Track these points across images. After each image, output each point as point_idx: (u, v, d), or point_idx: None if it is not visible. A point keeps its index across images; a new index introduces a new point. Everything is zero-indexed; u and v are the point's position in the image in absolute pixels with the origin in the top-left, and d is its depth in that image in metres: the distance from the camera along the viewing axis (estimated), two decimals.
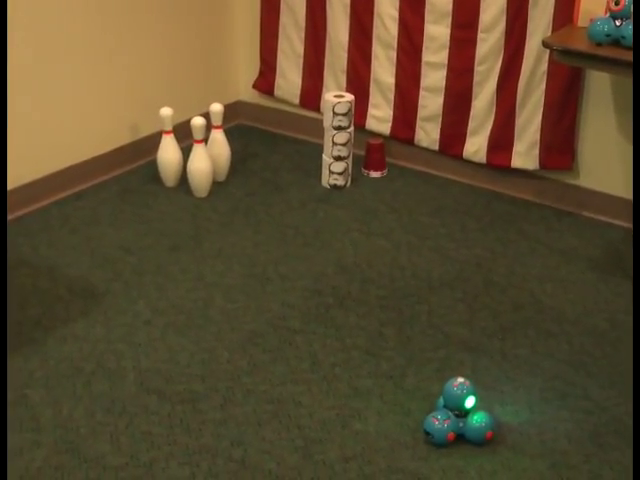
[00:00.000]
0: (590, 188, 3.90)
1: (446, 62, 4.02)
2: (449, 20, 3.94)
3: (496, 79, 3.92)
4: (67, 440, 2.56)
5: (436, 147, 4.21)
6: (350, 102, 3.99)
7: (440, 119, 4.14)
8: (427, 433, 2.57)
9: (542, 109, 3.84)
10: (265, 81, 4.66)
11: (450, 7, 3.91)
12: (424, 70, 4.10)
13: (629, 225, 3.77)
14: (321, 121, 4.11)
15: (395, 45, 4.14)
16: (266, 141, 4.62)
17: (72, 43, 3.85)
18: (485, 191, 4.11)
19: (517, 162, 4.00)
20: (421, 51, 4.07)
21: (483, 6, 3.83)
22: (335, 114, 3.97)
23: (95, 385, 2.79)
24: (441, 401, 2.63)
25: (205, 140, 3.97)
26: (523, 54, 3.81)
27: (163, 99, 4.13)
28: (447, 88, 4.07)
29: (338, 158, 4.04)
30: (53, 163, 3.92)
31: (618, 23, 3.10)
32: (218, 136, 4.06)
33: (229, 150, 4.10)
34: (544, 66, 3.76)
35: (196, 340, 3.02)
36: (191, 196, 3.99)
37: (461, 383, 2.58)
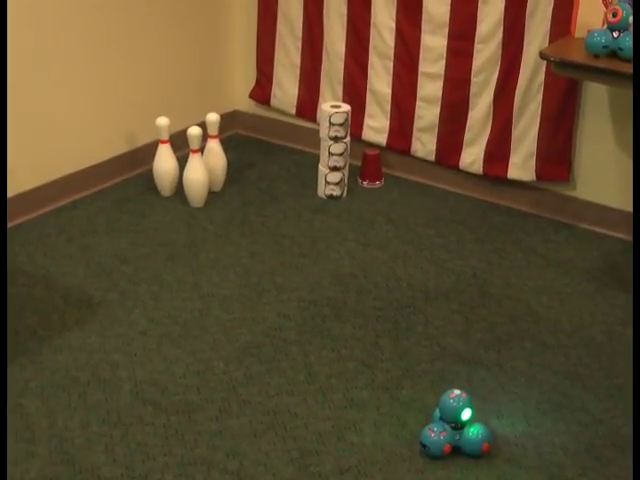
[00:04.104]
0: (587, 200, 3.90)
1: (443, 73, 4.02)
2: (446, 31, 3.95)
3: (493, 90, 3.92)
4: (62, 451, 2.55)
5: (432, 158, 4.21)
6: (346, 112, 3.98)
7: (436, 130, 4.14)
8: (423, 445, 2.56)
9: (539, 120, 3.84)
10: (261, 91, 4.66)
11: (447, 18, 3.92)
12: (421, 81, 4.10)
13: (626, 237, 3.77)
14: (317, 131, 4.11)
15: (392, 55, 4.14)
16: (262, 151, 4.61)
17: (69, 52, 3.84)
18: (481, 202, 4.11)
19: (513, 173, 4.00)
20: (418, 62, 4.07)
21: (480, 17, 3.84)
22: (331, 124, 3.97)
23: (90, 395, 2.78)
24: (437, 413, 2.62)
25: (201, 150, 3.97)
26: (520, 65, 3.81)
27: (159, 108, 4.12)
28: (444, 99, 4.07)
29: (334, 168, 4.04)
30: (49, 172, 3.91)
31: (615, 35, 3.11)
32: (214, 146, 4.06)
33: (225, 160, 4.10)
34: (541, 77, 3.77)
35: (192, 351, 3.01)
36: (187, 206, 3.98)
37: (457, 395, 2.57)
